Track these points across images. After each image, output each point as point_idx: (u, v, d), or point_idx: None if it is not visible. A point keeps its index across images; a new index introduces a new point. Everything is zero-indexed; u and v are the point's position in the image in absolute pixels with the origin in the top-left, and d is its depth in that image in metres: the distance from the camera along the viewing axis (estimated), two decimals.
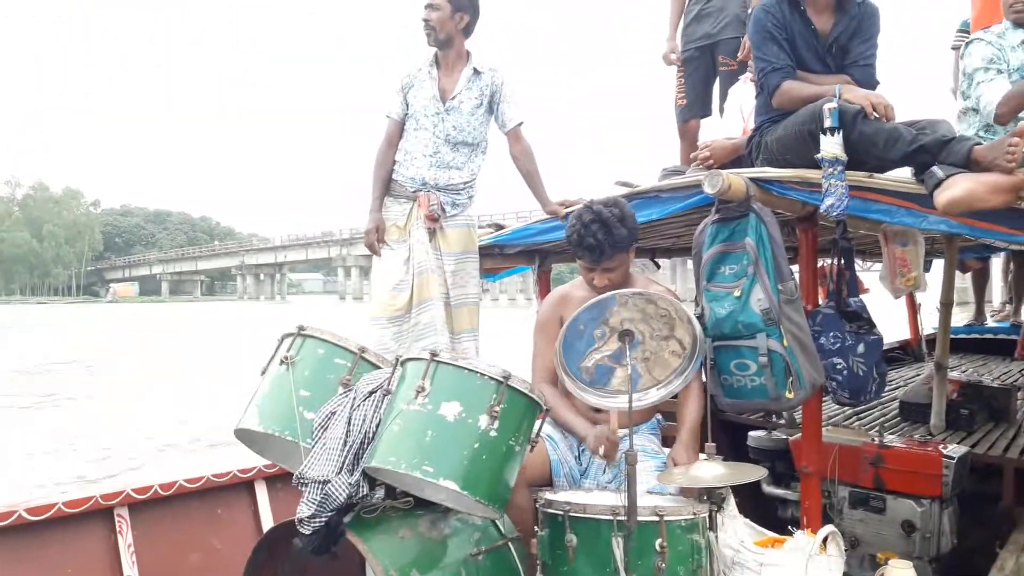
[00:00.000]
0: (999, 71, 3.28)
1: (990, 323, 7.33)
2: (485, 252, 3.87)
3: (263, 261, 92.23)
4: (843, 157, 2.59)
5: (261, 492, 3.51)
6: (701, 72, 4.51)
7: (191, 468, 3.60)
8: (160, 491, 3.17)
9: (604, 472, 2.64)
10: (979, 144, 2.51)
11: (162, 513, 3.19)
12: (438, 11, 3.50)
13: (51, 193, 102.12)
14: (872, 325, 2.99)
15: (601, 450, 2.49)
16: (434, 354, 2.14)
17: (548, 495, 2.21)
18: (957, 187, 2.41)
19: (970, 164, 2.48)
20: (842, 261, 3.06)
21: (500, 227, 3.90)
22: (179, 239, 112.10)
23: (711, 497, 2.30)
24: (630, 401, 2.07)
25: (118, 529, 3.02)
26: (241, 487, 3.49)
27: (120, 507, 3.04)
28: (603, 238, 2.59)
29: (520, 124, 3.63)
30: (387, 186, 3.64)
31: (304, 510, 2.13)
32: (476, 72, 3.60)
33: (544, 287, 4.10)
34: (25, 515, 2.79)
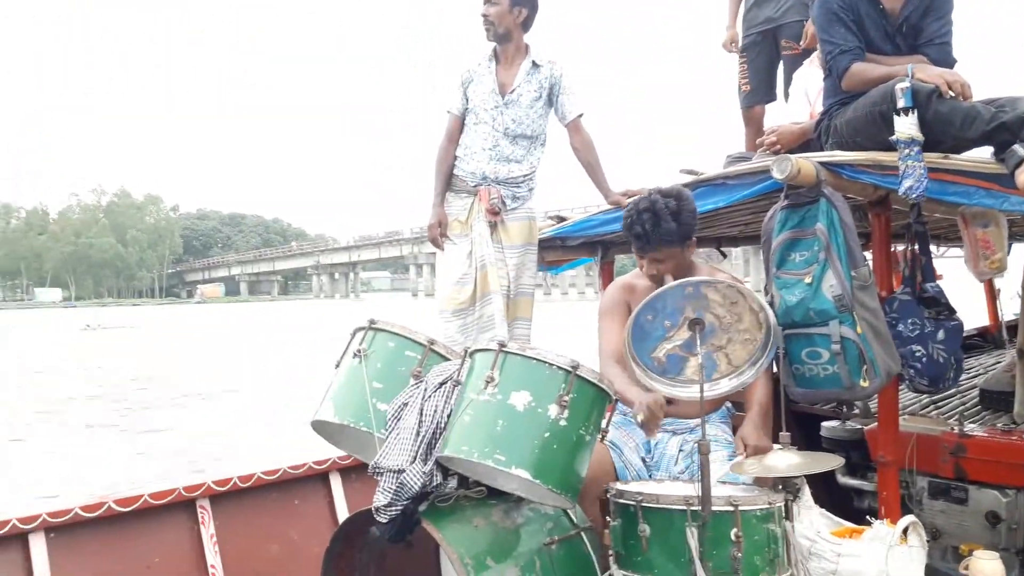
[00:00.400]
0: None
1: None
2: (547, 244, 3.87)
3: (337, 260, 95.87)
4: (919, 137, 2.52)
5: (336, 483, 3.59)
6: (764, 57, 4.44)
7: (268, 460, 3.71)
8: (239, 483, 3.27)
9: (676, 463, 2.62)
10: None
11: (242, 504, 3.29)
12: (496, 6, 3.51)
13: (133, 199, 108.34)
14: (951, 311, 2.90)
15: (640, 416, 2.39)
16: (502, 344, 2.16)
17: (619, 485, 2.21)
18: None
19: None
20: (917, 246, 2.98)
21: (562, 219, 3.89)
22: (253, 241, 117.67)
23: (786, 487, 2.27)
24: (701, 390, 2.05)
25: (200, 520, 3.13)
26: (317, 479, 3.57)
27: (202, 499, 3.15)
28: (650, 229, 2.59)
29: (580, 116, 3.63)
30: (448, 181, 3.68)
31: (380, 499, 2.17)
32: (535, 65, 3.61)
33: (607, 279, 4.07)
34: (114, 506, 2.91)
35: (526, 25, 3.60)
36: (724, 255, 4.54)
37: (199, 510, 3.15)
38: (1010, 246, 4.49)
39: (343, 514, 3.51)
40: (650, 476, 2.64)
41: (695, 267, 2.81)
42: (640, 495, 2.07)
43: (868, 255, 2.85)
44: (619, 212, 3.44)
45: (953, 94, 2.57)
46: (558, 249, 3.97)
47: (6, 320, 54.61)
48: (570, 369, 2.09)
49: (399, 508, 2.17)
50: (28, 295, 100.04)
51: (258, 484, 3.33)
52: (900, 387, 3.03)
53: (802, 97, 3.68)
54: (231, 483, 3.24)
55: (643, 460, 2.70)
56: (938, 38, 2.93)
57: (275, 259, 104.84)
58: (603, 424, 2.19)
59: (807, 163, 2.61)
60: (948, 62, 2.90)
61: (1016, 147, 2.42)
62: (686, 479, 2.46)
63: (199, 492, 3.15)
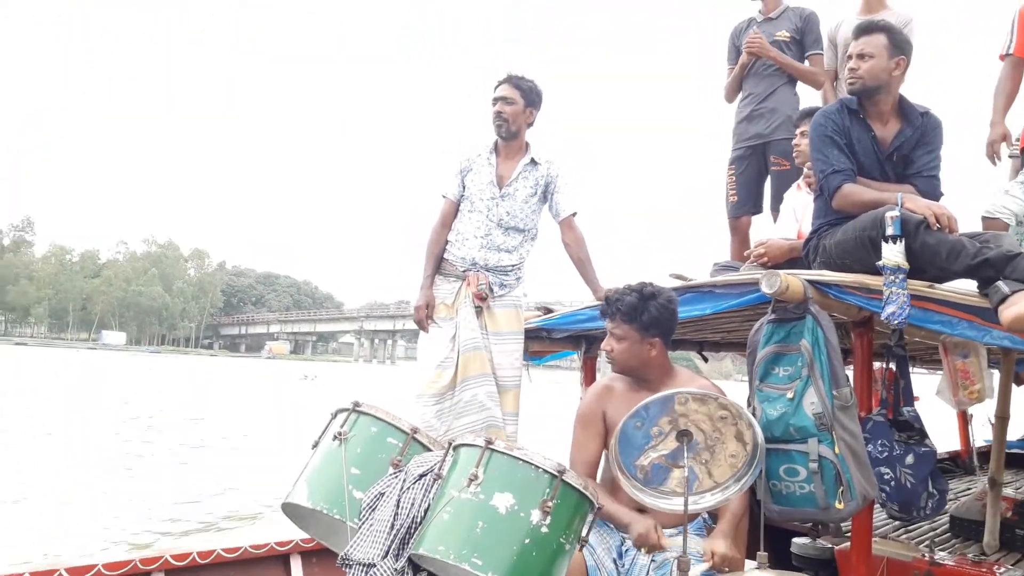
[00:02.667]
0: None
1: None
2: (532, 335, 3.88)
3: (382, 328, 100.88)
4: (905, 266, 2.58)
5: (296, 566, 3.47)
6: (753, 171, 4.58)
7: (230, 537, 3.59)
8: (198, 559, 3.14)
9: (648, 573, 2.57)
10: None
11: None
12: (513, 105, 3.62)
13: (180, 252, 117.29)
14: (924, 436, 2.92)
15: (643, 550, 2.46)
16: (489, 442, 2.12)
17: None
18: (1022, 303, 2.38)
19: None
20: (896, 369, 3.01)
21: (549, 310, 3.91)
22: (285, 301, 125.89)
23: None
24: (685, 504, 2.03)
25: None
26: (277, 560, 3.45)
27: (157, 572, 3.02)
28: (616, 298, 2.72)
29: (573, 214, 3.70)
30: (439, 264, 3.70)
31: None
32: (533, 162, 3.70)
33: (589, 374, 4.08)
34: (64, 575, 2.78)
35: (531, 124, 3.71)
36: (706, 359, 4.57)
37: None
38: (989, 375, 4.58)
39: None
40: None
41: (675, 373, 2.81)
42: None
43: (849, 370, 2.88)
44: None
45: (940, 226, 2.65)
46: (543, 340, 3.98)
47: (141, 363, 57.13)
48: (556, 474, 2.06)
49: None
50: (87, 337, 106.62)
51: (217, 561, 3.20)
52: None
53: (791, 216, 3.77)
54: (190, 558, 3.12)
55: (614, 563, 2.66)
56: (927, 170, 3.02)
57: (317, 320, 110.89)
58: (584, 532, 2.14)
59: (795, 280, 2.65)
60: (935, 194, 2.99)
61: (1000, 283, 2.48)
62: None
63: (155, 566, 3.02)
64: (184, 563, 3.09)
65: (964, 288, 2.72)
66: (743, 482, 2.15)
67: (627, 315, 2.69)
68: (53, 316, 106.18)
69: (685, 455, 2.08)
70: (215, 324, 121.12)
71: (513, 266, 3.68)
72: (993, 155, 4.04)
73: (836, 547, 3.47)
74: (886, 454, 2.81)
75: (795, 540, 3.68)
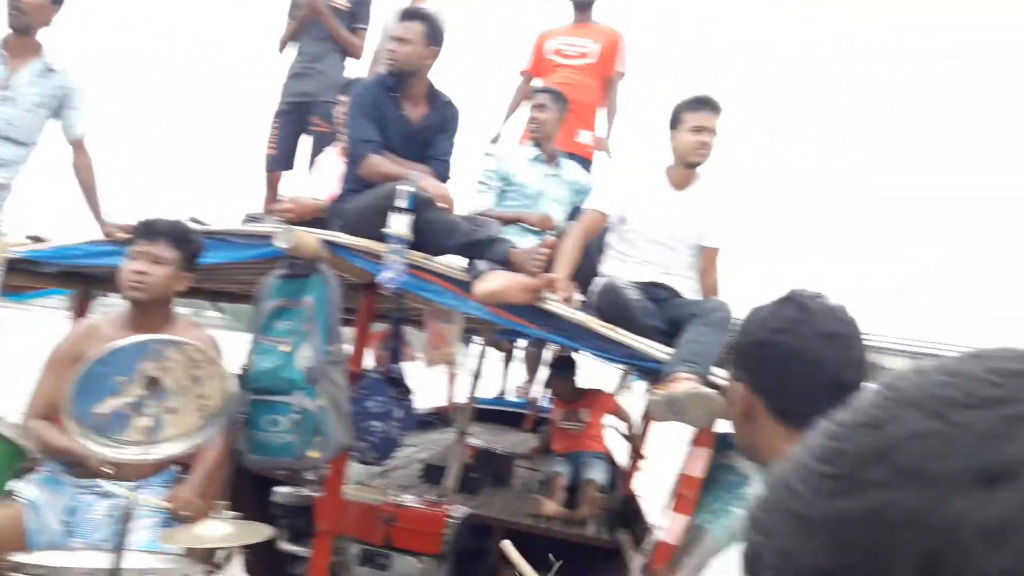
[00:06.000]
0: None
1: (512, 397, 8.37)
2: (15, 267, 3.28)
3: None
4: (409, 237, 2.77)
5: None
6: (292, 127, 4.54)
7: None
8: None
9: (98, 529, 2.37)
10: (516, 247, 2.88)
11: None
12: None
13: None
14: (408, 391, 3.19)
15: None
16: None
17: (20, 557, 1.91)
18: (492, 281, 2.73)
19: (508, 263, 2.83)
20: (393, 329, 3.25)
21: (39, 239, 3.35)
22: None
23: (213, 556, 2.21)
24: (141, 455, 1.92)
25: None
26: None
27: None
28: (158, 220, 2.57)
29: (85, 136, 3.26)
30: None
31: None
32: (49, 69, 3.16)
33: (81, 316, 3.61)
34: None
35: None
36: (222, 311, 4.41)
37: None
38: (469, 339, 5.19)
39: None
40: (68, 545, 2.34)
41: (175, 320, 2.64)
42: (41, 568, 1.82)
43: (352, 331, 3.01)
44: (112, 246, 3.11)
45: (444, 206, 2.91)
46: (29, 274, 3.40)
47: None
48: None
49: None
50: None
51: None
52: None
53: (325, 179, 3.80)
54: None
55: (64, 523, 2.38)
56: (442, 154, 3.29)
57: None
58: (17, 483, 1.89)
59: (311, 238, 2.69)
60: (445, 177, 3.27)
61: (478, 262, 2.82)
62: (107, 548, 2.24)
63: None
64: None
65: (454, 263, 3.02)
66: (208, 431, 2.11)
67: (176, 240, 2.52)
68: None
69: (151, 403, 1.96)
70: None
71: (2, 186, 3.13)
72: None
73: (316, 495, 3.63)
74: (380, 409, 3.01)
75: (276, 489, 3.72)
